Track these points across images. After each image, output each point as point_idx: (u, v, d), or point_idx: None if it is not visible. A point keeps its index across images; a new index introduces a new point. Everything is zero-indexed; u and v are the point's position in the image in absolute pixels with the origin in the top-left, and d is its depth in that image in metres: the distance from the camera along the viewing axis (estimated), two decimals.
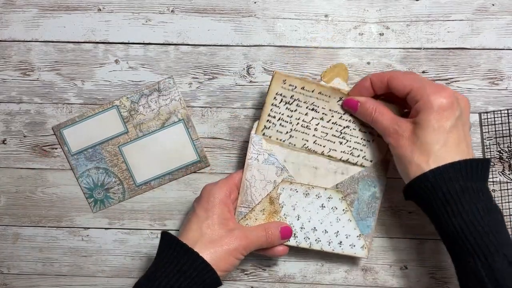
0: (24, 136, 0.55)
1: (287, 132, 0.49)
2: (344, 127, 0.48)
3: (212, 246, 0.44)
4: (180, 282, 0.42)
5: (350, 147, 0.49)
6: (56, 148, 0.55)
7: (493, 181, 0.53)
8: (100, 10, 0.53)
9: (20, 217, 0.57)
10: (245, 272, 0.56)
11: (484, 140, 0.53)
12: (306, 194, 0.49)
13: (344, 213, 0.49)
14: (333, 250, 0.50)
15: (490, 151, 0.53)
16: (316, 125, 0.48)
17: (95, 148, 0.55)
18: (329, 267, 0.56)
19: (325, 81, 0.48)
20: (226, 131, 0.55)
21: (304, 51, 0.53)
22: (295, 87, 0.47)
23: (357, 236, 0.49)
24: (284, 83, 0.47)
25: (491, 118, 0.52)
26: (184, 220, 0.48)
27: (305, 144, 0.49)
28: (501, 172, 0.53)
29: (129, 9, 0.53)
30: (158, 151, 0.55)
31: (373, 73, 0.47)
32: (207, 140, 0.55)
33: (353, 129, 0.48)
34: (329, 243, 0.50)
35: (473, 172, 0.40)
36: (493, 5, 0.51)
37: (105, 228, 0.57)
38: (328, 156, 0.49)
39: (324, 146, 0.49)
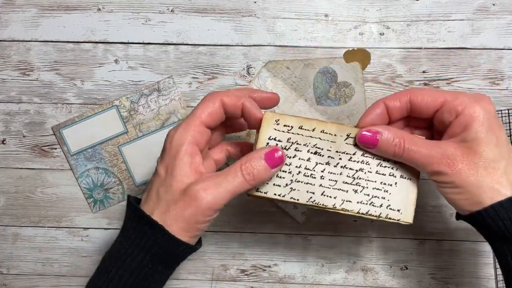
0: (24, 136, 0.55)
1: (286, 185, 0.40)
2: (357, 171, 0.40)
3: (168, 215, 0.36)
4: (146, 261, 0.36)
5: (368, 195, 0.39)
6: (55, 148, 0.55)
7: None
8: (100, 10, 0.53)
9: (19, 217, 0.57)
10: (245, 273, 0.56)
11: None
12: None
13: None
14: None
15: None
16: (322, 171, 0.40)
17: (94, 148, 0.55)
18: (329, 267, 0.56)
19: (345, 60, 0.44)
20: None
21: (304, 51, 0.53)
22: (291, 127, 0.39)
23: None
24: (277, 124, 0.39)
25: None
26: (149, 180, 0.41)
27: (311, 197, 0.40)
28: None
29: (128, 9, 0.53)
30: (158, 151, 0.54)
31: (383, 97, 0.40)
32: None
33: (368, 171, 0.39)
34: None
35: None
36: (493, 4, 0.51)
37: (105, 228, 0.56)
38: (343, 209, 0.40)
39: (335, 198, 0.40)
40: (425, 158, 0.36)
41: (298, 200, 0.40)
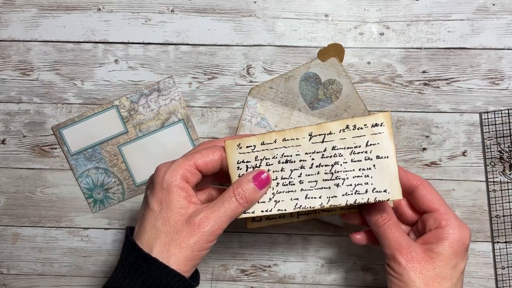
0: (24, 136, 0.55)
1: (270, 199, 0.40)
2: (333, 165, 0.40)
3: (172, 246, 0.38)
4: None
5: (351, 185, 0.39)
6: (55, 148, 0.55)
7: (493, 181, 0.53)
8: (100, 10, 0.53)
9: (19, 217, 0.57)
10: (245, 273, 0.56)
11: (485, 140, 0.53)
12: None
13: None
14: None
15: (490, 151, 0.53)
16: (299, 176, 0.40)
17: (94, 148, 0.55)
18: (329, 267, 0.55)
19: (321, 60, 0.45)
20: (226, 131, 0.54)
21: (304, 51, 0.53)
22: (254, 146, 0.40)
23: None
24: (240, 148, 0.40)
25: (491, 118, 0.52)
26: (140, 214, 0.41)
27: (296, 203, 0.40)
28: (501, 172, 0.53)
29: (128, 9, 0.53)
30: (157, 151, 0.55)
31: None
32: (207, 140, 0.55)
33: (344, 162, 0.39)
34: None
35: None
36: (493, 4, 0.51)
37: (105, 228, 0.56)
38: (330, 206, 0.40)
39: (320, 197, 0.40)
40: (394, 240, 0.39)
41: (285, 210, 0.40)
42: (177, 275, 0.37)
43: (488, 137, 0.53)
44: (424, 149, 0.53)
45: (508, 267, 0.53)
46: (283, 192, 0.40)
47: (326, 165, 0.40)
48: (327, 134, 0.39)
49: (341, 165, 0.39)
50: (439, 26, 0.52)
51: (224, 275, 0.56)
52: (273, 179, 0.40)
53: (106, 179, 0.55)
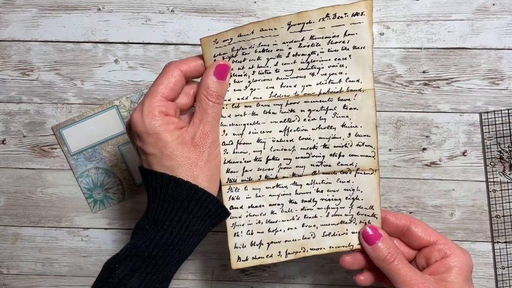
0: (24, 136, 0.55)
1: (246, 87, 0.40)
2: (309, 55, 0.39)
3: (194, 170, 0.38)
4: (188, 221, 0.38)
5: (325, 74, 0.40)
6: (55, 148, 0.55)
7: (493, 181, 0.53)
8: (100, 9, 0.53)
9: (19, 217, 0.57)
10: (245, 273, 0.56)
11: (485, 140, 0.53)
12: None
13: None
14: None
15: (490, 151, 0.53)
16: (276, 65, 0.40)
17: (94, 148, 0.55)
18: (329, 267, 0.55)
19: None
20: None
21: None
22: (231, 39, 0.39)
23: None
24: (217, 43, 0.39)
25: (491, 118, 0.52)
26: (142, 162, 0.41)
27: (272, 92, 0.40)
28: (501, 172, 0.53)
29: (128, 9, 0.53)
30: None
31: (386, 211, 0.43)
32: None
33: (321, 52, 0.39)
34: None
35: None
36: (493, 4, 0.51)
37: (105, 228, 0.56)
38: (305, 95, 0.40)
39: (295, 86, 0.40)
40: (408, 276, 0.39)
41: (260, 98, 0.40)
42: (209, 196, 0.38)
43: (488, 137, 0.53)
44: (424, 149, 0.53)
45: (508, 267, 0.53)
46: (259, 80, 0.40)
47: (303, 54, 0.39)
48: (306, 23, 0.39)
49: (317, 54, 0.39)
50: (439, 26, 0.52)
51: (224, 275, 0.56)
52: (249, 68, 0.40)
53: (106, 179, 0.55)
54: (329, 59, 0.39)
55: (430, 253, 0.41)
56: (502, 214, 0.53)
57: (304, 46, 0.39)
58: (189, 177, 0.38)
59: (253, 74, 0.40)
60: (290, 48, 0.39)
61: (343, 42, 0.39)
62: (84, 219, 0.56)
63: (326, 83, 0.40)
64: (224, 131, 0.41)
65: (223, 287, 0.56)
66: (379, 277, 0.43)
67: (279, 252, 0.43)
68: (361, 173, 0.41)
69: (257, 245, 0.42)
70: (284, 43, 0.39)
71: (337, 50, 0.39)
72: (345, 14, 0.38)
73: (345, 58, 0.39)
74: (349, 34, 0.39)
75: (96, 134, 0.54)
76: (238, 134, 0.41)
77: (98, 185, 0.55)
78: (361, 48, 0.39)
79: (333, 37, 0.39)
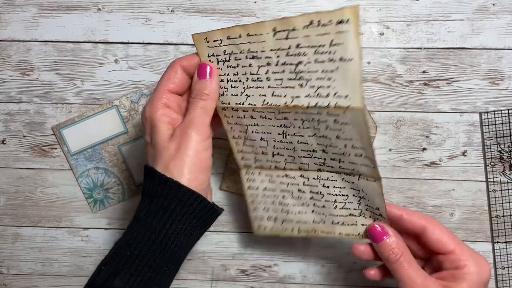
0: (24, 136, 0.55)
1: (241, 93, 0.40)
2: (297, 65, 0.37)
3: (176, 164, 0.38)
4: (178, 222, 0.38)
5: (313, 86, 0.37)
6: (55, 148, 0.55)
7: (493, 181, 0.53)
8: (100, 9, 0.53)
9: (19, 217, 0.57)
10: (245, 273, 0.56)
11: (485, 140, 0.53)
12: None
13: None
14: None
15: (490, 151, 0.53)
16: (266, 73, 0.39)
17: (94, 148, 0.55)
18: (329, 267, 0.55)
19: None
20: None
21: None
22: (221, 40, 0.39)
23: None
24: (208, 42, 0.39)
25: (491, 118, 0.52)
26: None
27: (264, 100, 0.40)
28: (501, 172, 0.53)
29: (128, 9, 0.53)
30: None
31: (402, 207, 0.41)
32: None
33: (308, 62, 0.37)
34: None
35: None
36: (493, 4, 0.51)
37: (105, 228, 0.56)
38: (294, 106, 0.38)
39: (285, 96, 0.39)
40: (409, 278, 0.38)
41: (255, 104, 0.40)
42: (193, 194, 0.38)
43: (488, 137, 0.53)
44: (424, 149, 0.53)
45: (508, 267, 0.53)
46: (252, 87, 0.40)
47: (290, 64, 0.37)
48: (291, 31, 0.36)
49: (305, 65, 0.37)
50: (439, 26, 0.52)
51: (224, 275, 0.56)
52: (243, 74, 0.40)
53: (106, 179, 0.55)
54: (317, 70, 0.37)
55: (444, 261, 0.40)
56: (502, 214, 0.53)
57: (291, 55, 0.37)
58: (170, 172, 0.38)
59: (247, 80, 0.40)
60: (278, 56, 0.38)
61: (329, 52, 0.36)
62: (84, 219, 0.56)
63: (314, 96, 0.37)
64: (231, 128, 0.43)
65: (223, 287, 0.56)
66: (389, 274, 0.42)
67: (292, 228, 0.45)
68: (364, 179, 0.41)
69: (273, 220, 0.46)
70: (272, 50, 0.38)
71: (324, 61, 0.36)
72: (330, 21, 0.35)
73: (332, 71, 0.36)
74: (335, 44, 0.35)
75: (96, 134, 0.54)
76: (243, 132, 0.43)
77: (98, 185, 0.55)
78: (349, 60, 0.35)
79: (319, 46, 0.36)
